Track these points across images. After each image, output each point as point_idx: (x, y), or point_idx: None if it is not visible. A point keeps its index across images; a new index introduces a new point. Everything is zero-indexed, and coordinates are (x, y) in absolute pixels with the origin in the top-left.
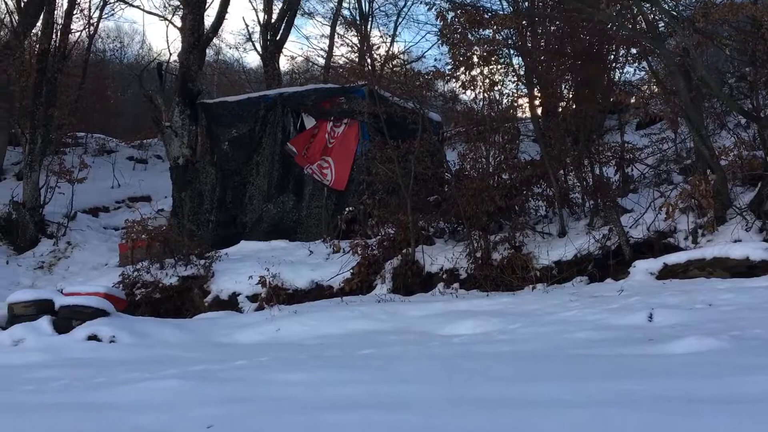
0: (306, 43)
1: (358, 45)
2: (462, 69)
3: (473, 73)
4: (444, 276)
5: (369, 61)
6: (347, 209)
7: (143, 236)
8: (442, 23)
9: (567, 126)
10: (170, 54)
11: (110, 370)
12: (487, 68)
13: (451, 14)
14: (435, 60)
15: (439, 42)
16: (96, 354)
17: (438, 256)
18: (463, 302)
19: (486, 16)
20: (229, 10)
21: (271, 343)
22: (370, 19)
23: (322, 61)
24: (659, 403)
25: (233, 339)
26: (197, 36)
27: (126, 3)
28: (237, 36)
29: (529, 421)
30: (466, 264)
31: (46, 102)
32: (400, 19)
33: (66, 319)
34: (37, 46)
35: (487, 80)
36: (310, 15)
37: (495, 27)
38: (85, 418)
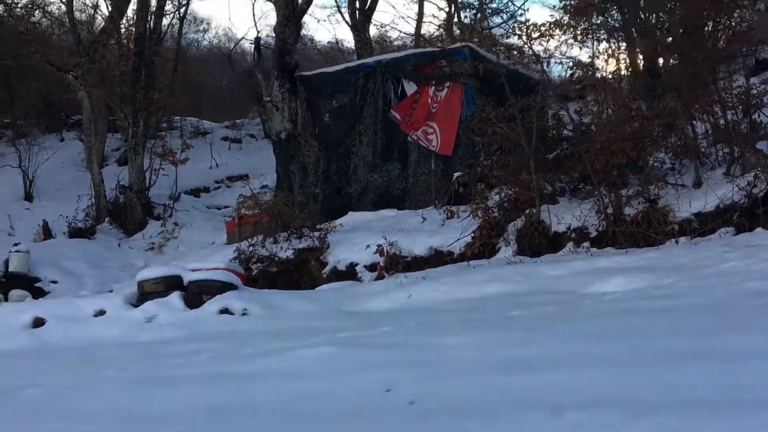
0: (395, 11)
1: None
2: (578, 17)
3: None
4: (572, 235)
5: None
6: (456, 174)
7: (256, 210)
8: None
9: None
10: (258, 31)
11: (252, 341)
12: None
13: None
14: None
15: None
16: (231, 327)
17: (564, 215)
18: (602, 260)
19: None
20: None
21: (405, 309)
22: None
23: (411, 29)
24: None
25: (364, 307)
26: (292, 8)
27: None
28: (324, 9)
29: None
30: (596, 221)
31: (146, 85)
32: None
33: (196, 294)
34: (133, 29)
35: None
36: None
37: None
38: (246, 387)
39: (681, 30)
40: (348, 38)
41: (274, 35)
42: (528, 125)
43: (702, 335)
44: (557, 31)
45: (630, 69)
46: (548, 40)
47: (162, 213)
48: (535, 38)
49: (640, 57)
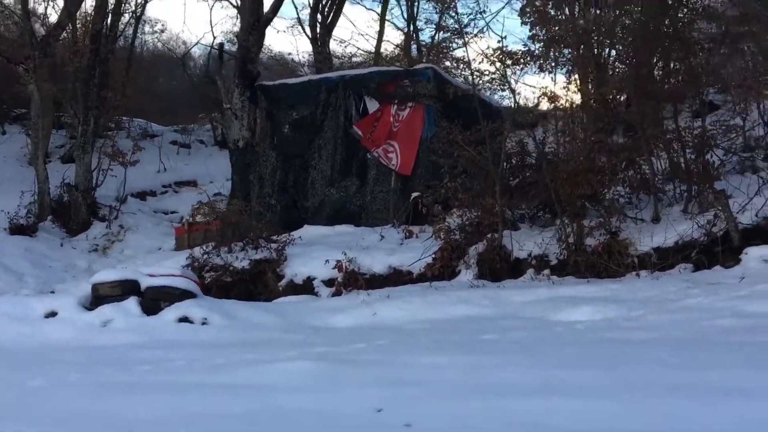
0: (354, 29)
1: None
2: (553, 48)
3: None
4: (533, 262)
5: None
6: (414, 194)
7: (209, 218)
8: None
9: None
10: (214, 37)
11: (220, 351)
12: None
13: None
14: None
15: (522, 21)
16: (193, 336)
17: (525, 242)
18: (565, 288)
19: None
20: None
21: (372, 327)
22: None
23: (369, 46)
24: None
25: (328, 323)
26: (257, 17)
27: None
28: (286, 21)
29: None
30: (557, 249)
31: (99, 83)
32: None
33: (153, 300)
34: (90, 26)
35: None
36: None
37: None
38: (224, 398)
39: (636, 69)
40: (308, 50)
41: (231, 42)
42: (495, 150)
43: (684, 368)
44: (529, 59)
45: (593, 101)
46: (522, 68)
47: (107, 214)
48: (509, 65)
49: (598, 91)
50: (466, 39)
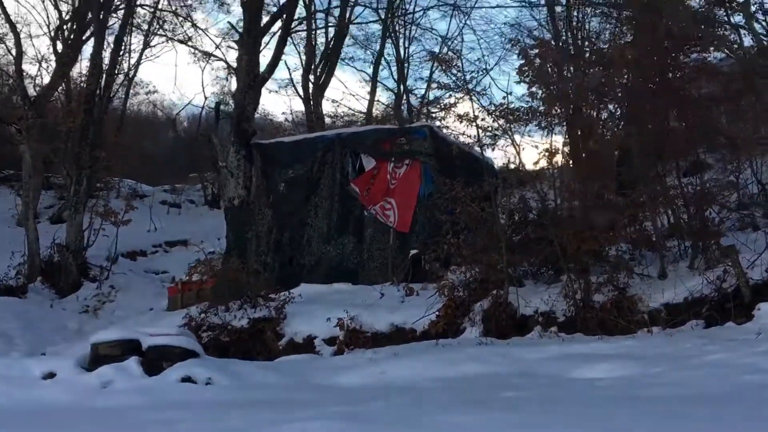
0: (346, 89)
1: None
2: (556, 105)
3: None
4: (540, 319)
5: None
6: (413, 251)
7: (205, 277)
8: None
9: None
10: (205, 98)
11: (232, 412)
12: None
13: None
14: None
15: (521, 79)
16: (198, 396)
17: (531, 298)
18: (577, 345)
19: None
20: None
21: (380, 386)
22: (406, 65)
23: (360, 107)
24: None
25: (334, 381)
26: (253, 77)
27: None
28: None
29: None
30: (565, 306)
31: (92, 143)
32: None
33: (155, 360)
34: (85, 86)
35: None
36: (351, 60)
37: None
38: None
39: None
40: (300, 110)
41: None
42: (502, 206)
43: (731, 425)
44: (530, 116)
45: (587, 159)
46: (526, 125)
47: (98, 275)
48: (512, 122)
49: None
50: (471, 95)
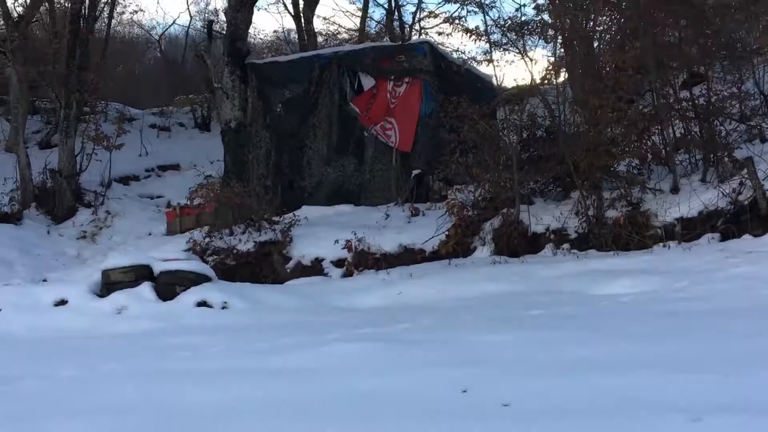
0: (336, 6)
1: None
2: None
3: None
4: (551, 236)
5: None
6: (415, 171)
7: (203, 201)
8: None
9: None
10: (191, 16)
11: (256, 335)
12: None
13: None
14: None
15: None
16: (216, 320)
17: (542, 216)
18: (593, 261)
19: None
20: None
21: (399, 306)
22: None
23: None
24: None
25: (352, 303)
26: None
27: None
28: None
29: None
30: (577, 223)
31: (80, 65)
32: None
33: (168, 285)
34: (69, 6)
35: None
36: None
37: None
38: (293, 383)
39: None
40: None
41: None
42: (513, 123)
43: None
44: (540, 29)
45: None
46: (538, 38)
47: (93, 200)
48: (518, 33)
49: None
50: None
